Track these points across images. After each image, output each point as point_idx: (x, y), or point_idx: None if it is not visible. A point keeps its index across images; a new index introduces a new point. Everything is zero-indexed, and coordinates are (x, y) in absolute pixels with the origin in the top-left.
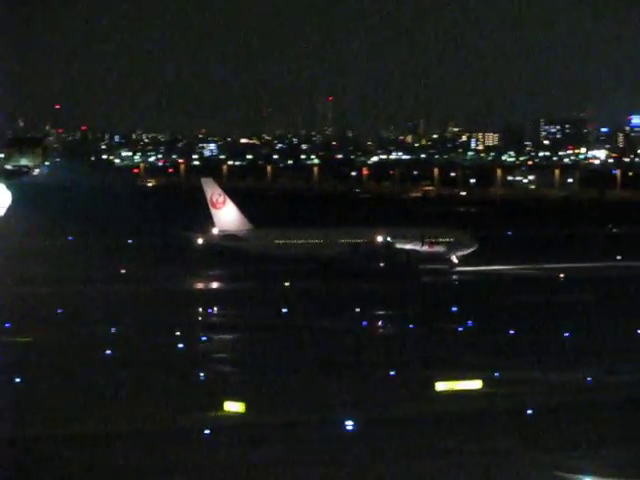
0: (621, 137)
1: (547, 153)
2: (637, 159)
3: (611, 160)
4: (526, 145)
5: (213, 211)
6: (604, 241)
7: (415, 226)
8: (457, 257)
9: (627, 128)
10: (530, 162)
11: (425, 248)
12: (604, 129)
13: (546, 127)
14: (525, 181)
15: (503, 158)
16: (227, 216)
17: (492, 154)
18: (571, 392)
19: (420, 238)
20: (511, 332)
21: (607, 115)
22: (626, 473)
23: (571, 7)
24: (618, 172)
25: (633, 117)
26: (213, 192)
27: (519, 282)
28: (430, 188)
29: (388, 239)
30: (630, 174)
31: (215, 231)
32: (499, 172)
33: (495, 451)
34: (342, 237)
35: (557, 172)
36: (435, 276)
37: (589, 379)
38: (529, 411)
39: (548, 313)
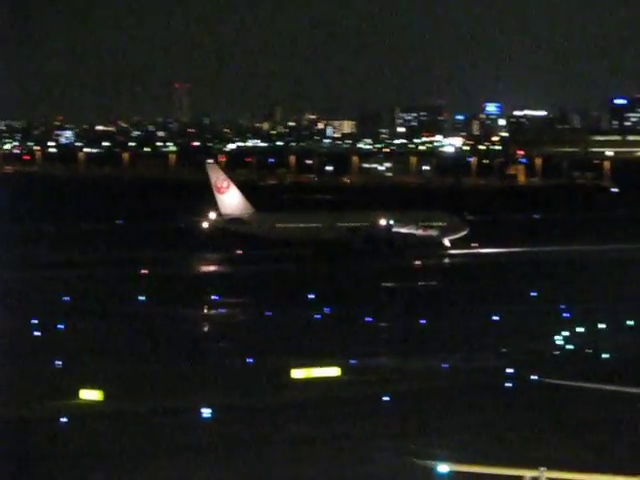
0: (476, 124)
1: (403, 140)
2: (492, 146)
3: (466, 147)
4: (382, 132)
5: (217, 196)
6: None
7: (410, 210)
8: (449, 240)
9: (482, 115)
10: (386, 149)
11: (420, 232)
12: (459, 116)
13: (402, 114)
14: (381, 168)
15: (359, 145)
16: (231, 200)
17: (348, 141)
18: (427, 379)
19: (415, 222)
20: (368, 319)
21: (462, 102)
22: (481, 459)
23: None
24: (473, 159)
25: (487, 104)
26: (217, 177)
27: (376, 270)
28: (312, 176)
29: (391, 222)
30: (485, 161)
31: (212, 215)
32: (355, 159)
33: (352, 438)
34: (341, 221)
35: (413, 159)
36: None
37: (445, 365)
38: (385, 398)
39: (405, 300)
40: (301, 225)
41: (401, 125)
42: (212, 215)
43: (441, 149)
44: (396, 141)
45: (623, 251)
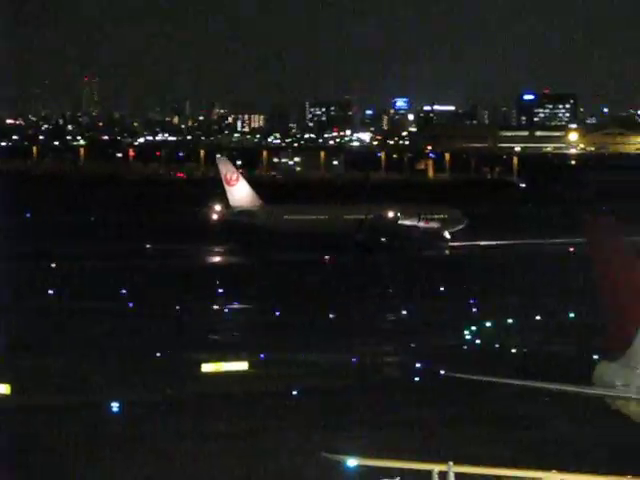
0: (385, 119)
1: (312, 135)
2: (401, 141)
3: (375, 142)
4: (292, 127)
5: (227, 188)
6: None
7: (412, 203)
8: (450, 233)
9: (391, 111)
10: (296, 144)
11: (422, 224)
12: (369, 111)
13: (312, 109)
14: (291, 163)
15: (269, 140)
16: (240, 193)
17: (258, 136)
18: (337, 373)
19: (417, 215)
20: (277, 313)
21: (372, 97)
22: (390, 453)
23: None
24: (382, 154)
25: (397, 100)
26: (227, 170)
27: (286, 264)
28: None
29: (399, 215)
30: (395, 156)
31: (217, 207)
32: (265, 154)
33: (261, 432)
34: (348, 213)
35: (322, 154)
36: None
37: (354, 360)
38: (294, 392)
39: (315, 295)
40: (308, 217)
41: (311, 120)
42: (217, 207)
43: (350, 144)
44: (306, 136)
45: (529, 246)
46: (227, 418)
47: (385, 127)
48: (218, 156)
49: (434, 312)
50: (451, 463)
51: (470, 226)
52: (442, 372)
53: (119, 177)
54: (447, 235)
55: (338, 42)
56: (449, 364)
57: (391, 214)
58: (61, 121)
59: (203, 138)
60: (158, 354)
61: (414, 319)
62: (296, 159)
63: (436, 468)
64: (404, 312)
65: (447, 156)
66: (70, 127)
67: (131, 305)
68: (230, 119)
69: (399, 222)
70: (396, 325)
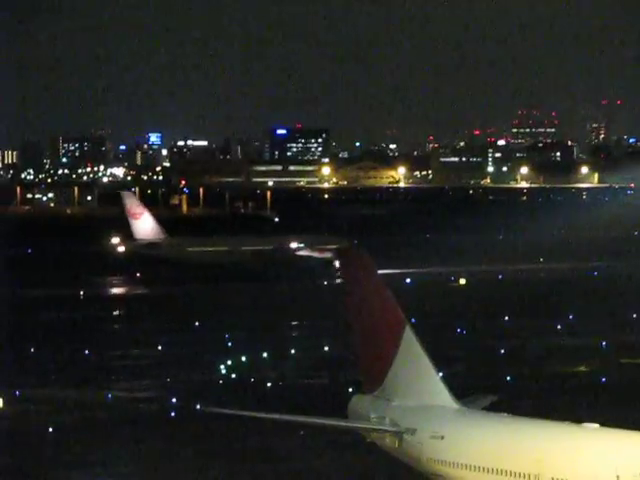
0: (139, 155)
1: (67, 171)
2: (155, 176)
3: (129, 177)
4: (45, 163)
5: (132, 221)
6: None
7: (305, 234)
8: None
9: (145, 146)
10: (50, 180)
11: (316, 254)
12: (122, 147)
13: (65, 145)
14: (45, 199)
15: (23, 176)
16: (145, 225)
17: (12, 172)
18: (91, 409)
19: (311, 245)
20: (32, 350)
21: (125, 133)
22: None
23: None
24: (137, 189)
25: (150, 135)
26: (132, 204)
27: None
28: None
29: (300, 245)
30: (149, 191)
31: (115, 240)
32: (18, 190)
33: (13, 472)
34: (246, 245)
35: (76, 189)
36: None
37: (109, 395)
38: (50, 429)
39: (87, 329)
40: (210, 249)
41: (64, 155)
42: (115, 240)
43: (102, 179)
44: (60, 171)
45: (285, 281)
46: None
47: (139, 162)
48: (123, 191)
49: (188, 347)
50: None
51: None
52: (198, 407)
53: None
54: (338, 265)
55: (92, 77)
56: (204, 398)
57: (293, 244)
58: None
59: None
60: None
61: (169, 354)
62: (50, 195)
63: None
64: (160, 347)
65: (201, 191)
66: None
67: None
68: None
69: (297, 253)
70: (148, 360)
